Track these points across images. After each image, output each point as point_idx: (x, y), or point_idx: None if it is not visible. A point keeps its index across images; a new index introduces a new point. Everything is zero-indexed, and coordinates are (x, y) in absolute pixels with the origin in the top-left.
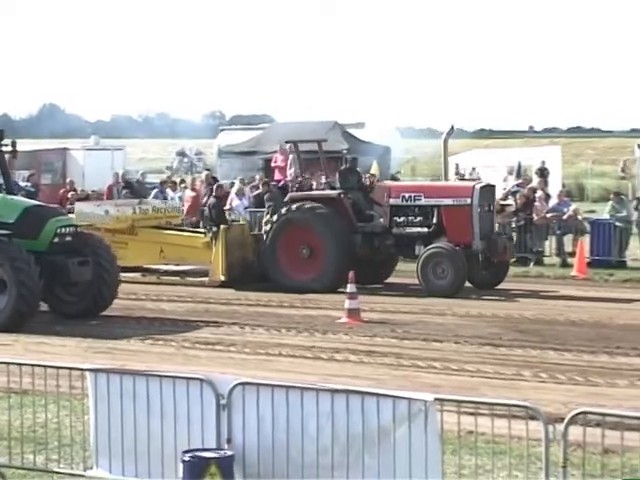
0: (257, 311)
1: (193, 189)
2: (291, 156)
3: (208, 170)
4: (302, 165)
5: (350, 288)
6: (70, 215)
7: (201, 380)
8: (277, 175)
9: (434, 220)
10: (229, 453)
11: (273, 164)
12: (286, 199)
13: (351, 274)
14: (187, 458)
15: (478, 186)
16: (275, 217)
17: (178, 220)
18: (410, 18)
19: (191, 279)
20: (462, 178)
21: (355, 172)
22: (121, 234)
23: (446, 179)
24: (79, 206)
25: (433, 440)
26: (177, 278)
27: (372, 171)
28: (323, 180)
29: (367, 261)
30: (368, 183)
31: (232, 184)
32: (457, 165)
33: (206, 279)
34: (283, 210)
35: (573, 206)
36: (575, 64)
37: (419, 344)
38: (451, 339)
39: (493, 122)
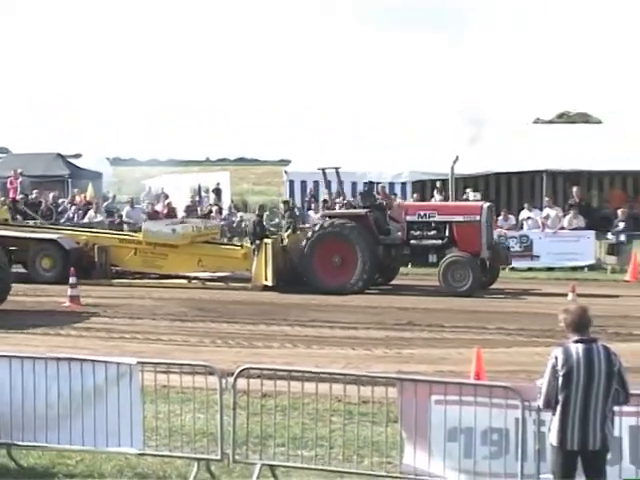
0: None
1: None
2: (20, 179)
3: None
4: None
5: (72, 280)
6: None
7: None
8: (11, 194)
9: (446, 233)
10: None
11: (9, 186)
12: (319, 215)
13: (72, 269)
14: None
15: (485, 206)
16: (310, 233)
17: (217, 236)
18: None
19: (234, 284)
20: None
21: (371, 194)
22: (162, 247)
23: (452, 199)
24: (147, 225)
25: (136, 393)
26: (222, 284)
27: (87, 192)
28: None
29: (384, 268)
30: (385, 203)
31: None
32: (150, 188)
33: (249, 284)
34: (317, 227)
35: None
36: (241, 108)
37: (125, 321)
38: (150, 316)
39: (177, 153)
